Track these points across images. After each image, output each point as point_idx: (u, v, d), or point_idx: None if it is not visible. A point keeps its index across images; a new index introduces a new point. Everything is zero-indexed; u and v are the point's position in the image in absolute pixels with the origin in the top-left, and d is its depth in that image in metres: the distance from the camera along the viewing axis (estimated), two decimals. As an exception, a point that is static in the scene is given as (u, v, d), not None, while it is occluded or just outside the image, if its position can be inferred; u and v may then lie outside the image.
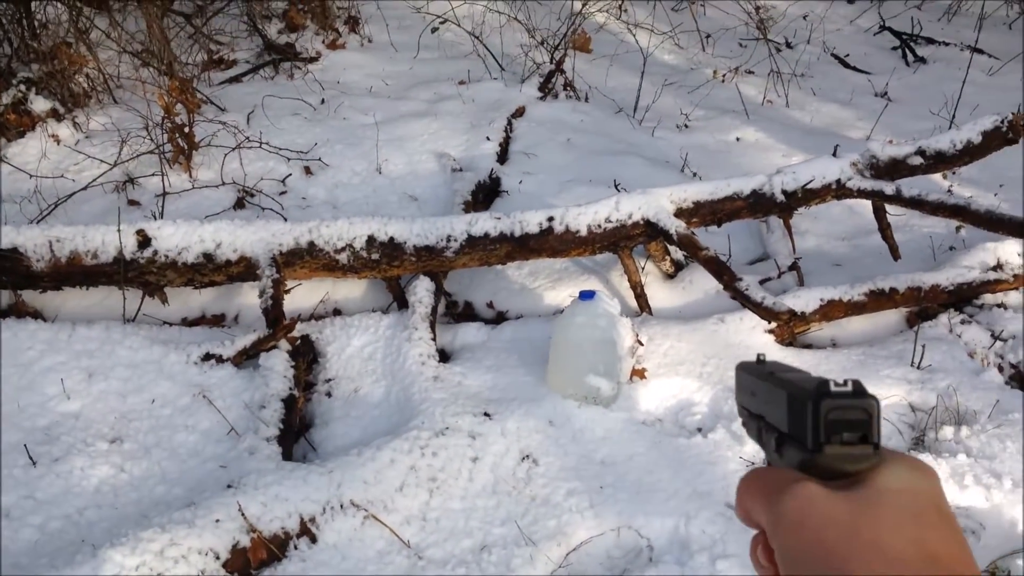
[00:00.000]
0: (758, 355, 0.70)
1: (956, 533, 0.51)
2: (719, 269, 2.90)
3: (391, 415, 2.70)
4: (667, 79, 5.40)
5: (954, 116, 5.03)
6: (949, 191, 4.10)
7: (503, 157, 4.27)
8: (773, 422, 0.60)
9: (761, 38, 6.08)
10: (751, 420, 0.66)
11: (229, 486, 2.31)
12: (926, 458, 2.57)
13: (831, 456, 0.54)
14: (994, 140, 3.20)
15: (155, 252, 2.93)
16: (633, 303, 3.21)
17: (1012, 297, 3.36)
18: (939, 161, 3.25)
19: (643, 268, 3.32)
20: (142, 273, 2.96)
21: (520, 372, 2.85)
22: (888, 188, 3.13)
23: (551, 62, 5.24)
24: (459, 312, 3.28)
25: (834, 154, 3.29)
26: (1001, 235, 3.34)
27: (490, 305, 3.27)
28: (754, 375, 0.65)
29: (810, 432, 0.54)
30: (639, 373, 2.81)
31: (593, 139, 4.54)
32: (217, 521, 2.16)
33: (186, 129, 3.79)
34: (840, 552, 0.49)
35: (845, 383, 0.55)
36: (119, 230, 2.90)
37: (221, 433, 2.58)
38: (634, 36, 5.65)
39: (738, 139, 4.82)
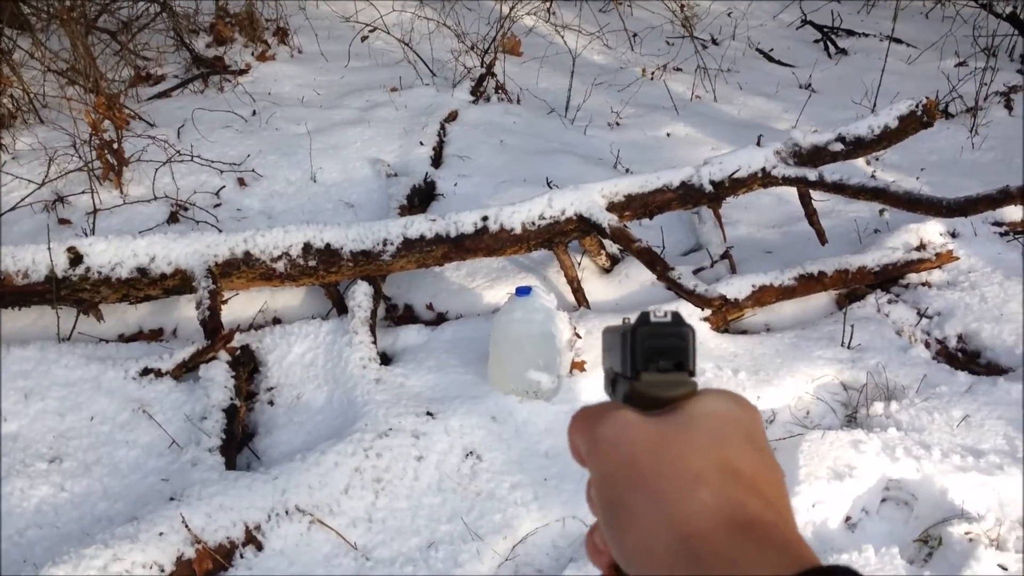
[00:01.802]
0: (623, 319, 0.71)
1: (765, 455, 0.52)
2: (652, 260, 2.96)
3: (334, 419, 2.71)
4: (597, 79, 5.48)
5: (875, 104, 5.18)
6: (872, 176, 4.23)
7: (437, 161, 4.30)
8: (612, 364, 0.61)
9: (687, 36, 6.20)
10: (607, 377, 0.66)
11: (172, 499, 2.30)
12: (858, 434, 2.65)
13: (648, 383, 0.55)
14: (910, 124, 3.31)
15: (88, 269, 2.90)
16: (571, 298, 3.26)
17: (936, 275, 3.48)
18: (859, 147, 3.35)
19: (579, 263, 3.38)
20: (75, 291, 2.92)
21: (461, 371, 2.88)
22: (811, 174, 3.22)
23: (482, 66, 5.28)
24: (399, 315, 3.30)
25: (758, 144, 3.38)
26: (922, 216, 3.46)
27: (430, 307, 3.30)
28: (611, 331, 0.65)
29: (628, 359, 0.56)
30: (578, 366, 2.86)
31: (526, 140, 4.59)
32: (161, 534, 2.15)
33: (115, 145, 3.75)
34: (645, 470, 0.50)
35: (666, 314, 0.56)
36: (49, 248, 2.86)
37: (162, 447, 2.57)
38: (563, 38, 5.72)
39: (668, 134, 4.91)
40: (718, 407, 0.53)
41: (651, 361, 0.55)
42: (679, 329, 0.56)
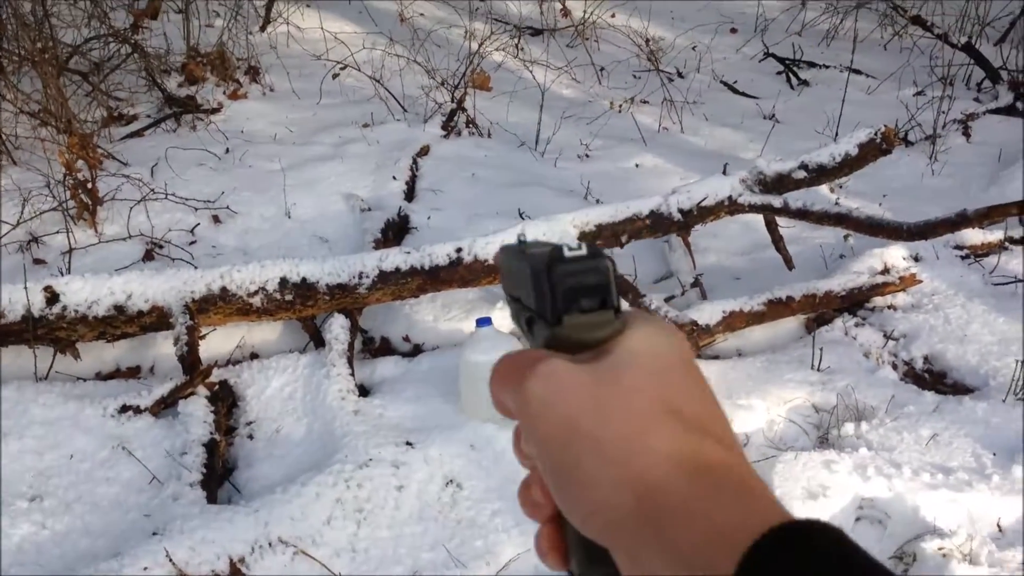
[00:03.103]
0: (519, 235, 0.68)
1: (705, 389, 0.51)
2: (623, 287, 3.02)
3: (314, 452, 2.73)
4: (566, 112, 5.56)
5: (837, 133, 5.29)
6: (836, 203, 4.33)
7: (410, 195, 4.35)
8: (526, 302, 0.56)
9: (653, 69, 6.31)
10: (512, 304, 0.61)
11: (155, 533, 2.31)
12: (830, 455, 2.71)
13: (572, 327, 0.51)
14: (870, 151, 3.41)
15: (64, 307, 2.91)
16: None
17: (900, 299, 3.56)
18: (821, 174, 3.45)
19: (553, 293, 3.42)
20: (52, 330, 2.93)
21: (439, 401, 2.91)
22: (776, 201, 3.31)
23: (452, 101, 5.35)
24: (376, 347, 3.33)
25: (724, 172, 3.46)
26: (885, 240, 3.56)
27: (406, 339, 3.33)
28: (509, 256, 0.60)
29: (548, 303, 0.51)
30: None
31: (498, 173, 4.65)
32: (145, 569, 2.16)
33: (89, 185, 3.77)
34: (588, 427, 0.47)
35: (580, 246, 0.52)
36: (26, 287, 2.88)
37: (143, 483, 2.57)
38: (531, 72, 5.81)
39: (637, 165, 5.00)
40: (650, 343, 0.51)
41: (572, 302, 0.51)
42: (597, 263, 0.52)
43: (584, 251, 0.52)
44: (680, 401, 0.48)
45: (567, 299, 0.51)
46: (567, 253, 0.51)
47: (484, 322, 2.82)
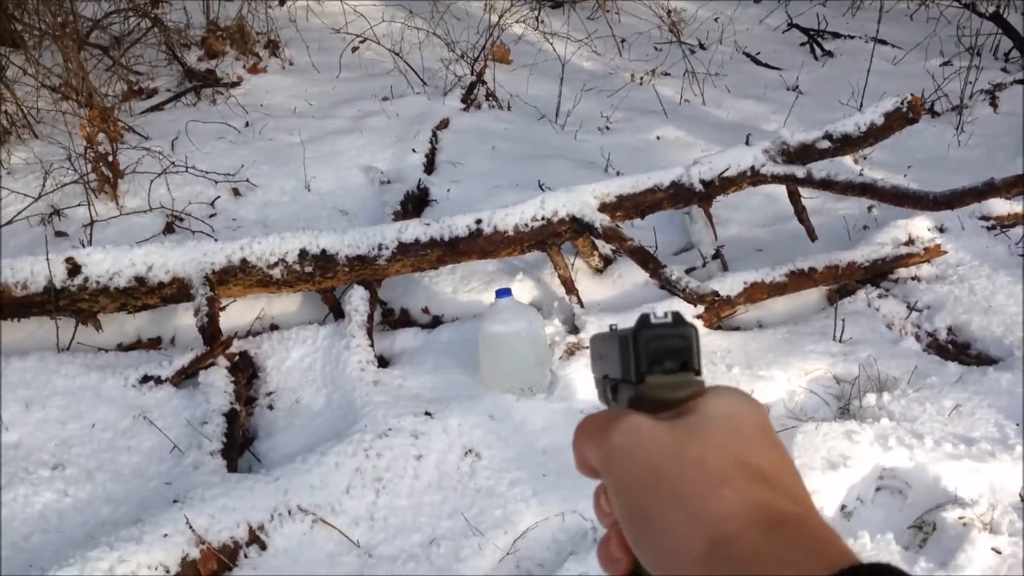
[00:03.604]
0: (610, 325, 0.68)
1: (780, 451, 0.53)
2: (645, 258, 3.00)
3: (334, 422, 2.74)
4: (586, 84, 5.53)
5: (862, 104, 5.24)
6: (861, 174, 4.27)
7: (430, 168, 4.34)
8: (612, 375, 0.60)
9: (675, 41, 6.25)
10: (601, 384, 0.65)
11: (175, 501, 2.33)
12: (852, 425, 2.69)
13: (655, 385, 0.54)
14: (896, 120, 3.35)
15: (86, 279, 2.93)
16: (565, 298, 3.29)
17: (924, 270, 3.52)
18: (846, 144, 3.40)
19: (572, 264, 3.41)
20: (74, 301, 2.95)
21: (458, 372, 2.91)
22: (799, 172, 3.27)
23: (472, 74, 5.33)
24: (395, 319, 3.33)
25: (747, 143, 3.43)
26: (910, 210, 3.51)
27: (425, 310, 3.33)
28: (601, 339, 0.64)
29: (632, 363, 0.55)
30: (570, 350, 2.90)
31: (517, 145, 4.63)
32: (165, 536, 2.18)
33: (110, 158, 3.78)
34: (668, 473, 0.50)
35: (666, 315, 0.55)
36: (47, 259, 2.89)
37: (164, 452, 2.59)
38: (551, 45, 5.77)
39: (658, 137, 4.96)
40: (729, 405, 0.53)
41: (656, 363, 0.54)
42: (682, 329, 0.55)
43: (669, 319, 0.55)
44: (755, 458, 0.51)
45: (651, 360, 0.54)
46: (653, 320, 0.55)
47: (504, 293, 2.81)
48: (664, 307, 3.14)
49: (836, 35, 6.89)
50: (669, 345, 0.55)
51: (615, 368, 0.59)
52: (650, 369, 0.54)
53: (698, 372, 0.55)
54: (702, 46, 6.67)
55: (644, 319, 0.55)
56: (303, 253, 3.05)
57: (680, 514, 0.49)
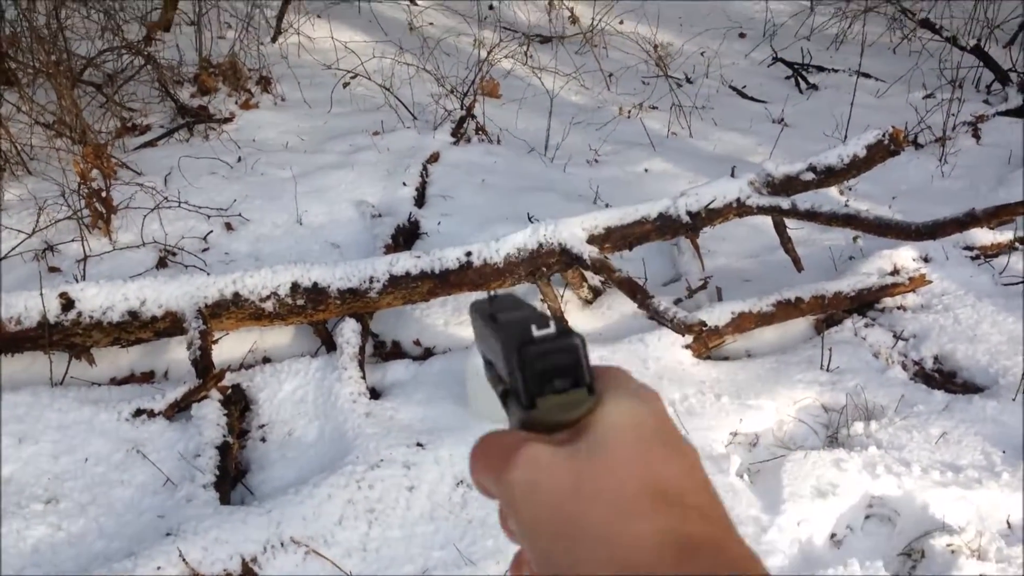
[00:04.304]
0: (489, 292, 0.68)
1: (682, 455, 0.51)
2: (633, 289, 3.04)
3: (326, 453, 2.75)
4: (575, 118, 5.59)
5: (846, 136, 5.30)
6: (846, 205, 4.33)
7: (420, 201, 4.38)
8: (500, 372, 0.56)
9: (662, 75, 6.34)
10: (487, 367, 0.60)
11: (168, 534, 2.34)
12: (840, 453, 2.72)
13: (546, 409, 0.51)
14: (878, 152, 3.42)
15: (79, 313, 2.95)
16: (555, 330, 3.32)
17: (910, 299, 3.57)
18: (829, 175, 3.46)
19: (562, 296, 3.45)
20: (67, 335, 2.97)
21: (450, 403, 2.93)
22: (784, 203, 3.32)
23: (462, 108, 5.39)
24: (387, 351, 3.35)
25: (732, 175, 3.48)
26: (894, 241, 3.57)
27: (417, 343, 3.35)
28: (480, 317, 0.59)
29: (521, 388, 0.51)
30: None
31: (507, 179, 4.68)
32: (158, 568, 2.19)
33: (103, 193, 3.81)
34: (569, 512, 0.47)
35: (548, 324, 0.52)
36: (41, 294, 2.91)
37: (157, 485, 2.60)
38: (540, 79, 5.84)
39: (646, 170, 5.02)
40: (626, 416, 0.51)
41: (545, 384, 0.50)
42: (567, 341, 0.51)
43: (553, 329, 0.51)
44: (662, 475, 0.49)
45: (539, 382, 0.50)
46: (536, 333, 0.51)
47: (490, 324, 2.83)
48: (654, 337, 3.18)
49: (820, 68, 6.99)
50: (557, 362, 0.50)
51: (500, 364, 0.54)
52: (540, 390, 0.50)
53: (591, 389, 0.51)
54: (688, 80, 6.75)
55: (527, 333, 0.51)
56: (295, 286, 3.08)
57: (589, 551, 0.46)
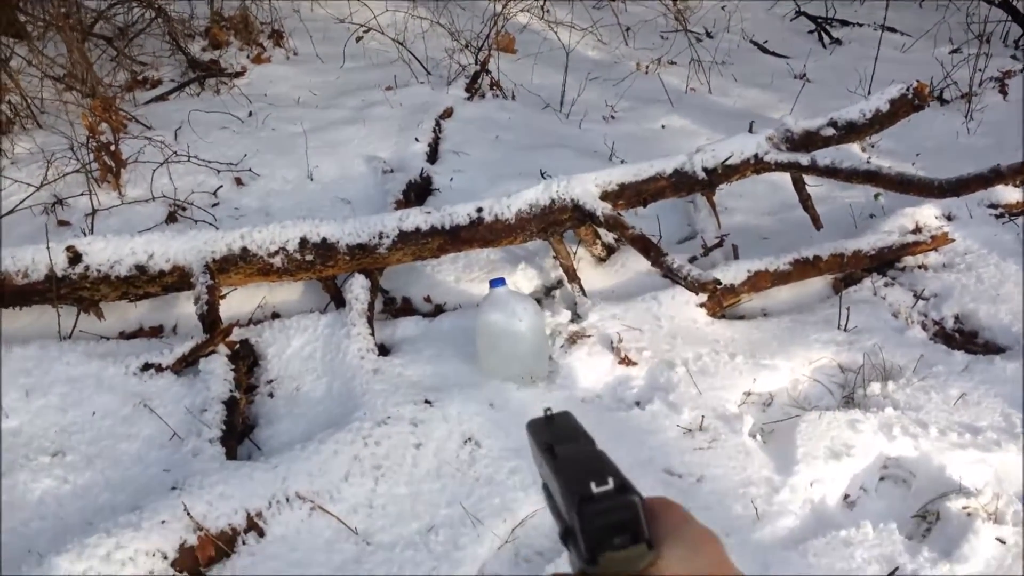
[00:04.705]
0: (545, 410, 0.68)
1: None
2: (646, 247, 2.98)
3: (333, 410, 2.72)
4: (591, 73, 5.50)
5: (869, 92, 5.19)
6: (868, 161, 4.24)
7: (433, 157, 4.32)
8: (559, 506, 0.59)
9: (681, 30, 6.21)
10: (545, 491, 0.64)
11: (174, 488, 2.32)
12: (855, 414, 2.66)
13: (608, 564, 0.53)
14: (901, 108, 3.32)
15: (87, 267, 2.92)
16: (567, 287, 3.28)
17: (932, 258, 3.49)
18: (851, 131, 3.36)
19: (575, 253, 3.39)
20: (75, 289, 2.95)
21: (459, 360, 2.90)
22: (803, 159, 3.24)
23: (476, 63, 5.30)
24: (397, 308, 3.31)
25: (750, 130, 3.40)
26: (917, 199, 3.48)
27: (427, 299, 3.31)
28: (537, 444, 0.63)
29: (582, 543, 0.53)
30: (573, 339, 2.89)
31: (521, 135, 4.61)
32: (163, 522, 2.17)
33: (112, 147, 3.77)
34: None
35: (607, 479, 0.54)
36: (48, 247, 2.89)
37: (164, 439, 2.58)
38: (556, 34, 5.74)
39: (663, 126, 4.93)
40: (685, 568, 0.53)
41: (605, 540, 0.53)
42: (626, 499, 0.53)
43: (612, 486, 0.54)
44: None
45: (600, 538, 0.53)
46: (595, 490, 0.53)
47: (498, 283, 2.79)
48: (668, 295, 3.12)
49: (844, 23, 6.85)
50: (616, 519, 0.53)
51: (559, 501, 0.57)
52: (599, 547, 0.53)
53: (650, 545, 0.53)
54: (709, 34, 6.62)
55: (585, 491, 0.53)
56: (304, 241, 3.04)
57: None
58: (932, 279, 3.38)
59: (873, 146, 4.58)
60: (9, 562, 2.12)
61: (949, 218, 3.68)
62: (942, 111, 5.13)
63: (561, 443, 0.60)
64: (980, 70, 5.25)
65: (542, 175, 3.94)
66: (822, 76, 5.86)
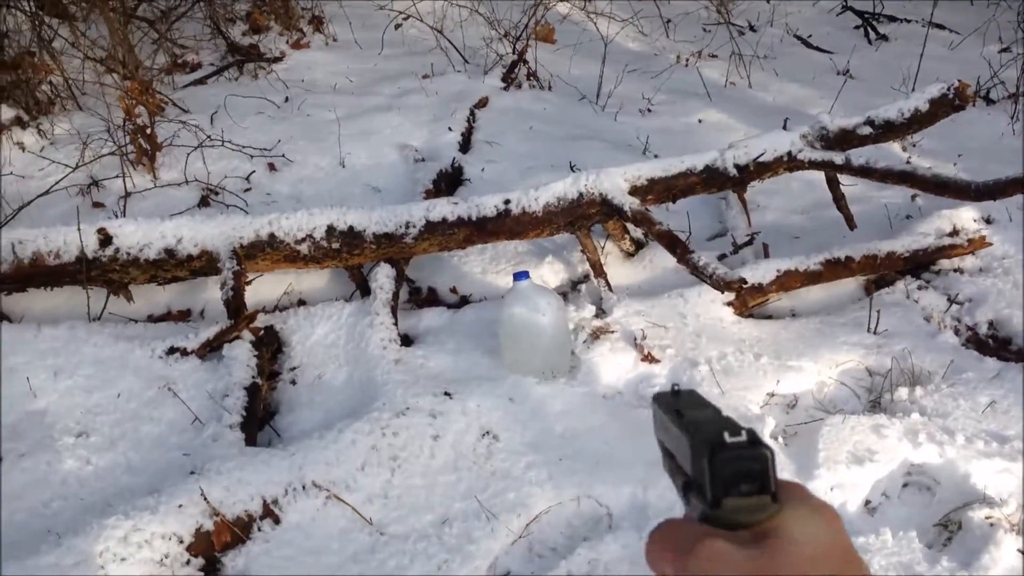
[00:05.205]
0: (673, 385, 0.69)
1: (862, 573, 0.53)
2: (673, 243, 2.95)
3: (354, 399, 2.73)
4: (629, 65, 5.45)
5: (913, 90, 5.09)
6: (908, 161, 4.16)
7: (466, 147, 4.32)
8: (681, 463, 0.60)
9: (723, 22, 6.13)
10: (665, 456, 0.65)
11: (192, 472, 2.35)
12: (880, 419, 2.62)
13: (731, 509, 0.54)
14: (941, 107, 3.25)
15: (117, 250, 2.96)
16: (594, 281, 3.26)
17: (968, 262, 3.41)
18: (888, 130, 3.30)
19: (603, 247, 3.37)
20: (105, 271, 2.98)
21: (481, 353, 2.90)
22: (838, 158, 3.18)
23: (514, 53, 5.28)
24: (423, 298, 3.32)
25: (784, 127, 3.34)
26: (954, 201, 3.40)
27: (453, 290, 3.31)
28: (664, 410, 0.64)
29: (708, 487, 0.54)
30: (596, 335, 2.88)
31: (556, 126, 4.58)
32: (180, 506, 2.20)
33: (148, 130, 3.81)
34: None
35: (740, 431, 0.55)
36: (79, 229, 2.93)
37: (186, 423, 2.61)
38: (595, 25, 5.70)
39: (700, 121, 4.87)
40: (808, 531, 0.53)
41: (732, 486, 0.54)
42: (758, 451, 0.55)
43: (744, 438, 0.55)
44: None
45: (728, 483, 0.54)
46: (728, 439, 0.54)
47: (522, 276, 2.78)
48: (694, 292, 3.09)
49: (892, 18, 6.72)
50: (746, 468, 0.54)
51: (684, 460, 0.58)
52: (726, 492, 0.54)
53: (775, 497, 0.54)
54: (752, 28, 6.54)
55: (719, 439, 0.54)
56: (331, 229, 3.05)
57: None
58: (967, 283, 3.31)
59: (915, 145, 4.49)
60: (28, 542, 2.15)
61: (988, 221, 3.60)
62: (988, 111, 5.02)
63: (690, 409, 0.61)
64: (1029, 70, 5.12)
65: (571, 168, 3.92)
66: (866, 73, 5.75)
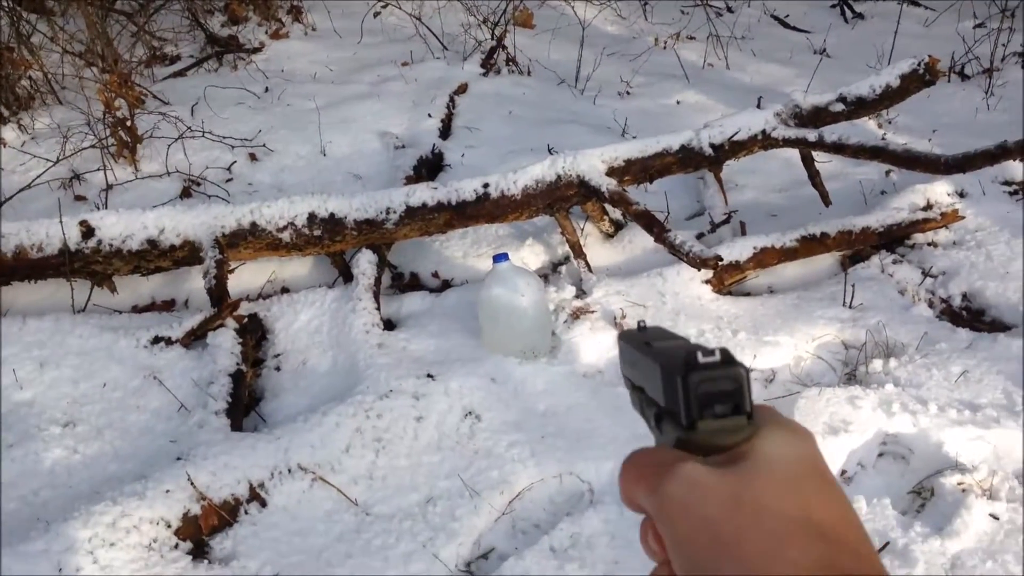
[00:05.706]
0: (639, 322, 0.67)
1: (838, 496, 0.51)
2: (650, 223, 2.99)
3: (338, 383, 2.77)
4: (608, 48, 5.48)
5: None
6: (883, 138, 4.21)
7: (446, 133, 4.35)
8: (652, 395, 0.58)
9: (701, 4, 6.17)
10: (634, 392, 0.63)
11: (179, 458, 2.38)
12: (855, 390, 2.67)
13: (706, 431, 0.52)
14: (912, 82, 3.30)
15: (99, 242, 2.98)
16: (574, 262, 3.30)
17: (942, 235, 3.47)
18: (860, 107, 3.35)
19: (582, 229, 3.41)
20: (88, 263, 3.01)
21: (463, 335, 2.93)
22: (810, 135, 3.23)
23: (492, 39, 5.30)
24: (405, 283, 3.35)
25: (758, 106, 3.39)
26: (929, 176, 3.45)
27: (435, 275, 3.35)
28: (632, 345, 0.62)
29: (682, 409, 0.52)
30: (576, 314, 2.91)
31: (535, 110, 4.61)
32: (167, 492, 2.23)
33: (128, 123, 3.83)
34: (726, 529, 0.48)
35: (713, 352, 0.53)
36: (61, 221, 2.95)
37: (171, 411, 2.65)
38: (573, 9, 5.72)
39: (679, 102, 4.91)
40: (784, 449, 0.52)
41: (706, 407, 0.52)
42: (732, 370, 0.52)
43: (718, 357, 0.52)
44: (819, 512, 0.49)
45: (701, 405, 0.52)
46: (701, 359, 0.52)
47: (501, 258, 2.82)
48: (673, 271, 3.13)
49: (868, -3, 6.77)
50: (720, 388, 0.52)
51: (655, 391, 0.57)
52: (700, 414, 0.52)
53: (750, 416, 0.53)
54: (729, 9, 6.57)
55: (691, 358, 0.52)
56: (312, 217, 3.08)
57: (741, 574, 0.47)
58: (941, 256, 3.37)
59: (891, 123, 4.54)
60: (18, 530, 2.19)
61: (961, 195, 3.66)
62: (962, 87, 5.08)
63: (659, 340, 0.60)
64: (1003, 45, 5.17)
65: (549, 151, 3.95)
66: (842, 51, 5.80)
